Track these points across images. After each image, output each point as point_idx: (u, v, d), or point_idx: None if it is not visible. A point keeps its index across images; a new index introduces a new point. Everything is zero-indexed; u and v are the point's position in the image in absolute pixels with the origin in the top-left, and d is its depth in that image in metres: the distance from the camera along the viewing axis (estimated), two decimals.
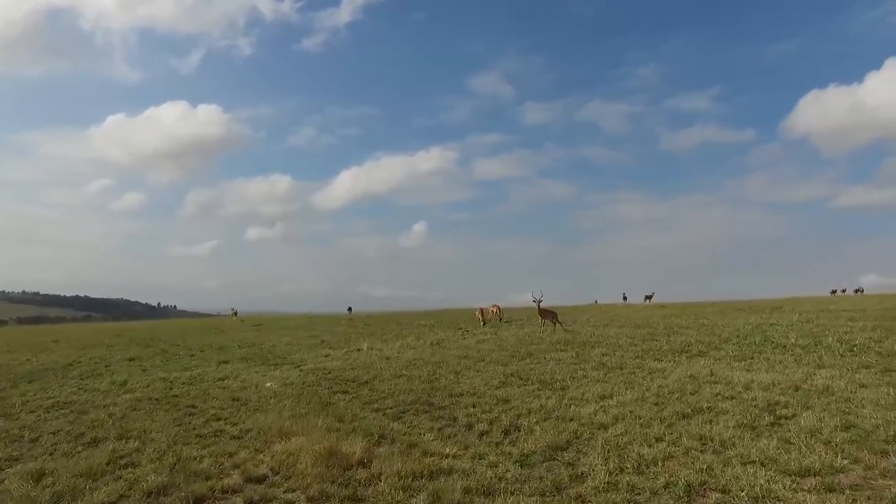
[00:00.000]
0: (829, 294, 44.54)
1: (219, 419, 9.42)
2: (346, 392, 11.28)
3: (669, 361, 12.34)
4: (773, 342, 14.22)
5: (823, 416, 7.19)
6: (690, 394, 9.07)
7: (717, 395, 8.82)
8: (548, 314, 21.75)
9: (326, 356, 17.47)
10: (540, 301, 21.74)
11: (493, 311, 30.42)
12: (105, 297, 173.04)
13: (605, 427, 7.57)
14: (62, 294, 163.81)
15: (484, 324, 26.45)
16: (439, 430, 8.12)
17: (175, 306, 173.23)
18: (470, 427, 8.13)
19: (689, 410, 7.99)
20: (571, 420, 8.04)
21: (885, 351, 11.77)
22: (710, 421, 7.44)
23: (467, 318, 31.36)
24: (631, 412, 8.17)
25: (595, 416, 8.12)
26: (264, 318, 47.36)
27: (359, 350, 18.46)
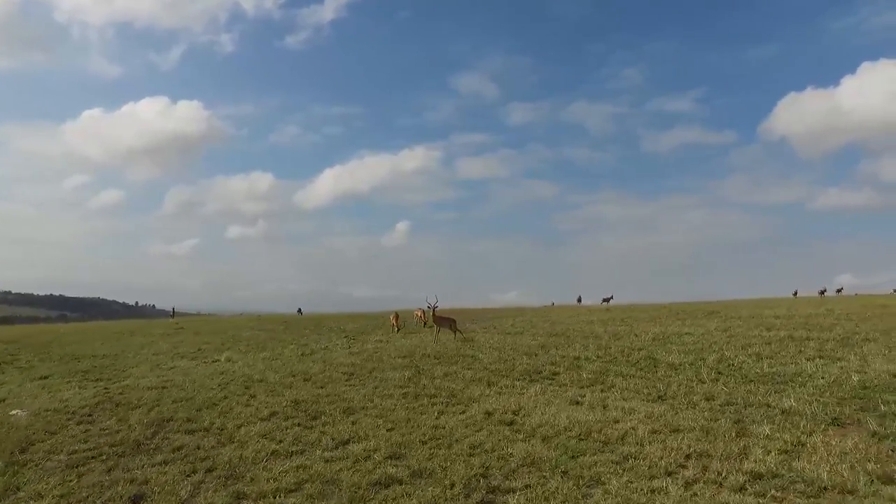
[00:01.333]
0: (792, 296, 42.77)
1: None
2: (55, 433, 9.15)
3: (505, 387, 10.27)
4: (653, 359, 12.20)
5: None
6: (456, 441, 7.00)
7: (476, 446, 6.75)
8: (444, 321, 19.66)
9: (171, 369, 15.37)
10: (435, 307, 19.65)
11: (417, 316, 28.39)
12: (80, 296, 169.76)
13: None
14: (35, 293, 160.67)
15: (397, 330, 24.32)
16: None
17: (154, 305, 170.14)
18: None
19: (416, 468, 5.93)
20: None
21: (750, 376, 9.76)
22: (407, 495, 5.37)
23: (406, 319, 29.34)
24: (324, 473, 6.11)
25: (278, 479, 6.04)
26: (209, 318, 45.18)
27: (215, 361, 16.42)
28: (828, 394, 8.13)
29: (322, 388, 11.23)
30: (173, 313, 44.72)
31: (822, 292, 44.86)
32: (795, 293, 44.06)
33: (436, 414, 8.46)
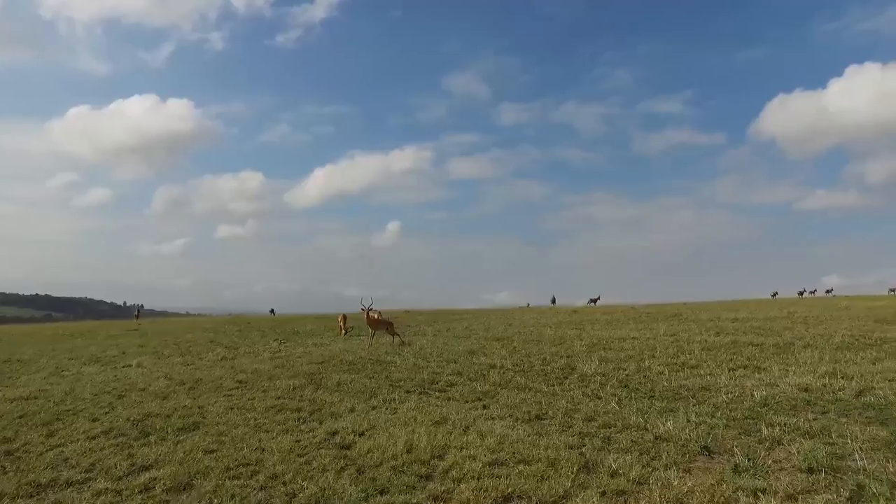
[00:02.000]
0: (770, 297, 41.90)
1: None
2: None
3: (384, 400, 9.21)
4: (570, 368, 11.18)
5: None
6: (263, 468, 5.95)
7: (276, 476, 5.70)
8: (380, 324, 18.63)
9: (69, 376, 14.27)
10: (370, 309, 18.60)
11: (372, 318, 27.35)
12: (67, 295, 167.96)
13: None
14: (21, 293, 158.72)
15: (346, 332, 23.26)
16: None
17: (142, 305, 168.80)
18: None
19: None
20: None
21: (657, 390, 8.74)
22: None
23: (356, 322, 28.32)
24: None
25: None
26: (172, 319, 44.08)
27: (126, 367, 15.36)
28: (719, 413, 7.08)
29: (196, 398, 10.17)
30: (137, 314, 43.71)
31: (801, 293, 44.16)
32: (774, 294, 43.24)
33: (276, 434, 7.41)
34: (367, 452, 6.39)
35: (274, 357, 15.79)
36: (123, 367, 15.50)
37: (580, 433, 6.71)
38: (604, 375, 10.18)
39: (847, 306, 21.67)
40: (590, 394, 8.71)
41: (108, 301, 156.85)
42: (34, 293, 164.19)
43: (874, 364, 9.83)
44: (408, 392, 9.83)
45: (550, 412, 7.73)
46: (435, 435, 6.85)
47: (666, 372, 10.07)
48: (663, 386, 8.92)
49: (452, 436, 6.83)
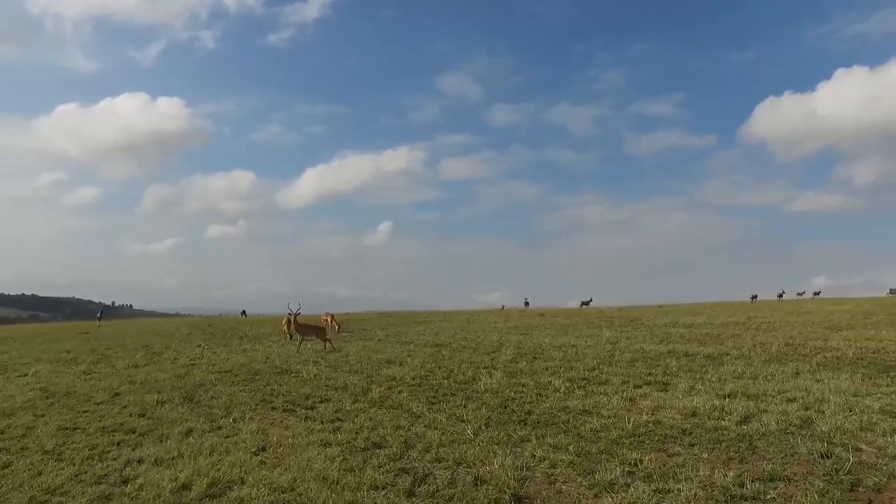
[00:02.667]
0: (750, 299, 40.89)
1: None
2: None
3: (236, 419, 8.18)
4: (467, 385, 10.13)
5: None
6: None
7: None
8: (308, 329, 17.56)
9: None
10: (297, 314, 17.53)
11: (325, 321, 26.29)
12: (55, 295, 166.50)
13: None
14: (7, 293, 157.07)
15: (290, 337, 22.20)
16: None
17: (131, 305, 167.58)
18: None
19: None
20: None
21: (537, 412, 7.67)
22: None
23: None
24: None
25: None
26: (136, 322, 43.03)
27: (21, 376, 14.36)
28: (572, 447, 6.03)
29: (38, 416, 9.15)
30: (100, 316, 42.64)
31: (780, 296, 43.14)
32: (754, 297, 42.22)
33: (65, 463, 6.37)
34: (139, 489, 5.38)
35: (186, 365, 14.78)
36: (19, 376, 14.49)
37: (400, 469, 5.68)
38: (495, 392, 9.14)
39: (809, 311, 20.61)
40: (457, 416, 7.67)
41: (97, 301, 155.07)
42: (20, 293, 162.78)
43: (793, 379, 8.80)
44: (273, 409, 8.82)
45: (391, 439, 6.69)
46: (232, 468, 5.82)
47: (562, 389, 9.02)
48: (545, 407, 7.87)
49: (253, 469, 5.80)
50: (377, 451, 6.39)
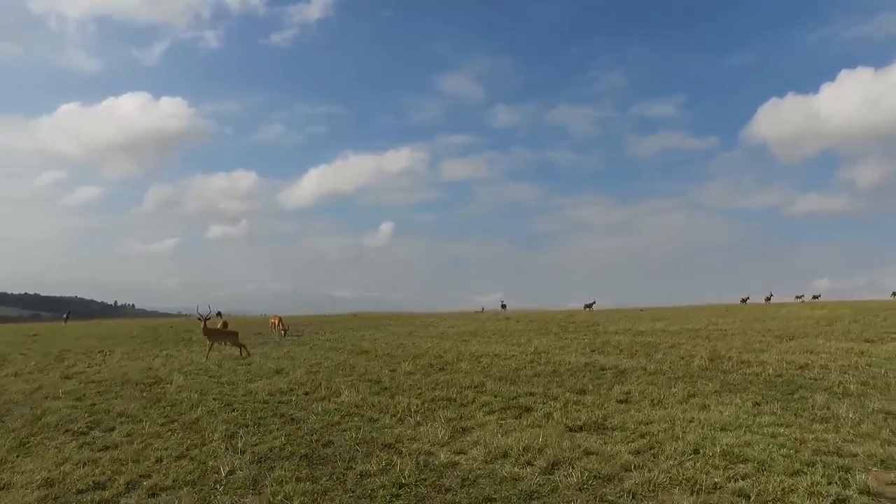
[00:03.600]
0: (741, 302, 39.00)
1: None
2: None
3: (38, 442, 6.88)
4: (319, 400, 8.75)
5: None
6: None
7: None
8: (218, 335, 16.27)
9: None
10: (207, 319, 16.23)
11: (272, 324, 25.05)
12: (57, 294, 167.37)
13: None
14: (9, 292, 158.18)
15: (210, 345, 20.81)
16: None
17: (133, 305, 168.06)
18: None
19: None
20: None
21: (359, 436, 6.25)
22: None
23: (262, 328, 26.14)
24: None
25: None
26: (103, 322, 42.14)
27: None
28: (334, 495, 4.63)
29: None
30: (66, 316, 41.80)
31: (768, 299, 41.23)
32: (745, 300, 40.38)
33: None
34: None
35: (64, 375, 13.44)
36: None
37: None
38: (333, 412, 7.75)
39: (775, 316, 18.91)
40: (241, 448, 6.28)
41: (99, 301, 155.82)
42: (23, 292, 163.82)
43: (682, 403, 7.30)
44: (68, 433, 7.51)
45: (120, 478, 5.34)
46: None
47: (412, 412, 7.60)
48: (348, 437, 6.44)
49: None
50: (96, 492, 5.05)
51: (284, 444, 6.30)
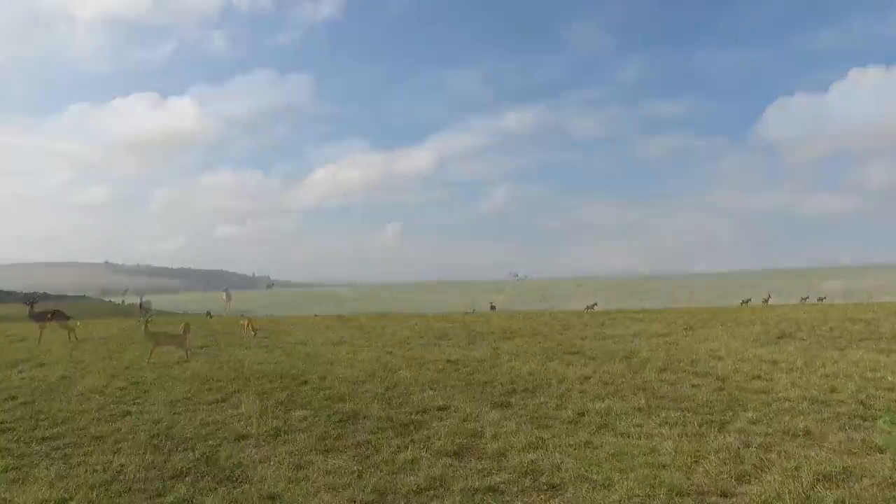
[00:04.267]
0: (741, 303, 38.08)
1: None
2: None
3: None
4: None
5: None
6: None
7: None
8: (160, 337, 15.68)
9: None
10: (149, 320, 15.64)
11: (244, 326, 24.43)
12: (63, 294, 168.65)
13: None
14: (16, 291, 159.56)
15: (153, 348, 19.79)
16: None
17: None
18: None
19: None
20: None
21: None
22: None
23: (234, 329, 25.61)
24: None
25: None
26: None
27: None
28: None
29: None
30: (51, 316, 41.69)
31: (766, 300, 40.41)
32: (746, 301, 39.51)
33: None
34: None
35: None
36: None
37: None
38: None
39: (754, 321, 17.89)
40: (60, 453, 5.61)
41: (107, 300, 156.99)
42: (32, 290, 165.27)
43: (569, 424, 6.52)
44: None
45: None
46: None
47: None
48: (186, 458, 5.76)
49: None
50: None
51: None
